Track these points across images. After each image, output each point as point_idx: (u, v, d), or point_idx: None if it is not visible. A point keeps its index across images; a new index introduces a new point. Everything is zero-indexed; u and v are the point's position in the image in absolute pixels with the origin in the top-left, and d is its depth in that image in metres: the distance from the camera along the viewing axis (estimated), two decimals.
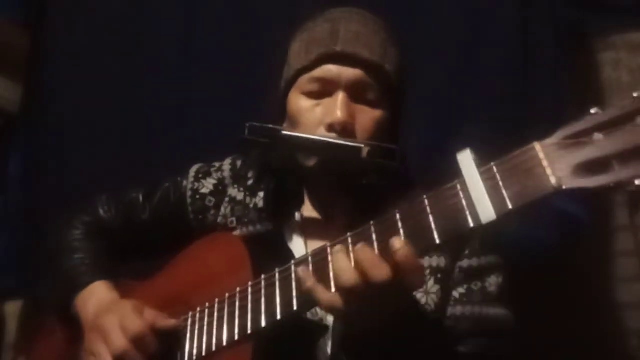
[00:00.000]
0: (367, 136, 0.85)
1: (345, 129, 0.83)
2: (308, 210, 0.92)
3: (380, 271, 0.58)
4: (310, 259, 0.69)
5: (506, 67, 1.36)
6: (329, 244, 0.67)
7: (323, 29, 0.90)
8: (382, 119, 0.87)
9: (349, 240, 0.66)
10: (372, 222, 0.65)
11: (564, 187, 0.52)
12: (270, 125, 0.85)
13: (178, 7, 1.53)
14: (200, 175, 0.98)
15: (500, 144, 1.49)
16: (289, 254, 0.86)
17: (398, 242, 0.59)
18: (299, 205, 0.91)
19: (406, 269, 0.58)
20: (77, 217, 1.02)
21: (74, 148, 1.52)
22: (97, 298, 0.89)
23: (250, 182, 0.96)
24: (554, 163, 0.54)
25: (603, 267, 1.36)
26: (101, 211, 1.02)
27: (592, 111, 0.54)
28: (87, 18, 1.57)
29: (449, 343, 0.79)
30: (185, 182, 0.98)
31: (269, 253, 0.85)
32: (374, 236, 0.64)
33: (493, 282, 0.84)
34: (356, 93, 0.86)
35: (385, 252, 0.60)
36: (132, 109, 1.50)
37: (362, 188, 0.87)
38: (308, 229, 0.90)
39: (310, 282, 0.64)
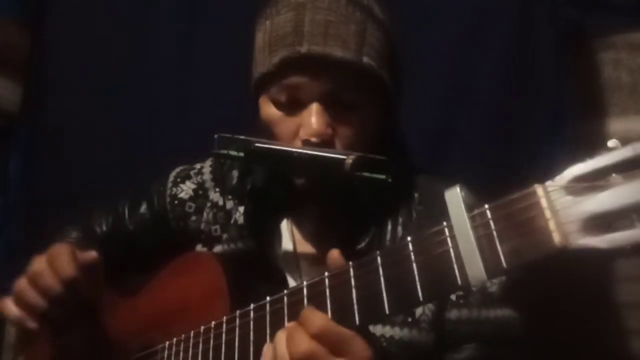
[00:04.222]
0: (351, 146, 0.75)
1: (323, 145, 0.74)
2: (295, 218, 0.86)
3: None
4: (286, 299, 0.63)
5: (505, 67, 1.36)
6: (305, 282, 0.62)
7: (286, 19, 0.75)
8: (367, 119, 0.78)
9: (326, 282, 0.60)
10: (351, 264, 0.59)
11: (570, 247, 0.42)
12: (242, 137, 0.76)
13: (179, 6, 1.53)
14: (179, 180, 0.94)
15: (500, 144, 1.49)
16: (278, 274, 0.83)
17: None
18: (284, 214, 0.85)
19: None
20: (62, 233, 1.00)
21: (74, 148, 1.51)
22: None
23: (234, 182, 0.90)
24: (560, 214, 0.43)
25: (603, 267, 1.36)
26: (95, 226, 1.00)
27: (610, 145, 0.43)
28: (87, 17, 1.56)
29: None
30: (165, 188, 0.95)
31: (254, 274, 0.80)
32: (352, 281, 0.57)
33: (495, 280, 0.76)
34: (332, 98, 0.75)
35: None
36: (133, 109, 1.50)
37: (350, 205, 0.81)
38: (297, 240, 0.85)
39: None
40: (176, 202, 0.93)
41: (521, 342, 0.78)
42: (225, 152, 0.77)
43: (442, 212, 0.76)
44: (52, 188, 1.50)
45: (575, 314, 1.28)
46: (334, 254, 0.61)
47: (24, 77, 1.59)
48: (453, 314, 0.77)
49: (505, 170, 1.32)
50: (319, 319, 0.55)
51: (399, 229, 0.82)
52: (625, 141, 0.44)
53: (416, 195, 0.84)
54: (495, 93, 1.36)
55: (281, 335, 0.57)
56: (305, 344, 0.54)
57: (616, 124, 1.39)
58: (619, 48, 1.42)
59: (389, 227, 0.82)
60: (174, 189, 0.93)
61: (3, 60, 1.55)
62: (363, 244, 0.80)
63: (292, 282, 0.85)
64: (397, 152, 0.86)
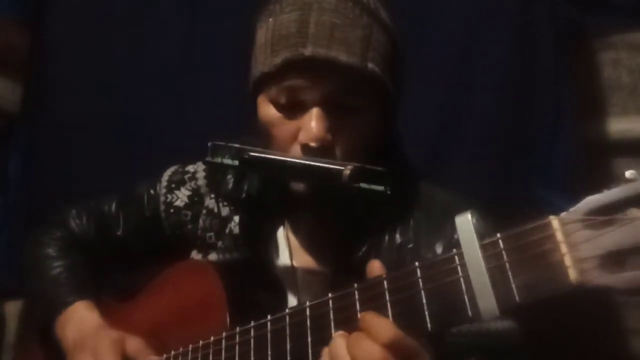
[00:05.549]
0: (351, 151, 0.73)
1: (322, 150, 0.71)
2: (291, 227, 0.84)
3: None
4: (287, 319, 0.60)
5: (506, 67, 1.36)
6: (307, 303, 0.59)
7: (290, 18, 0.72)
8: (368, 124, 0.75)
9: (330, 304, 0.57)
10: (356, 286, 0.56)
11: (587, 285, 0.40)
12: (236, 145, 0.74)
13: (179, 6, 1.53)
14: (173, 185, 0.91)
15: (500, 144, 1.49)
16: (276, 282, 0.82)
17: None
18: (280, 222, 0.84)
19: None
20: (46, 233, 0.96)
21: (74, 148, 1.51)
22: (75, 322, 0.83)
23: (229, 187, 0.88)
24: (576, 249, 0.41)
25: None
26: (72, 224, 0.96)
27: (628, 175, 0.40)
28: (87, 17, 1.56)
29: None
30: (158, 193, 0.91)
31: (252, 283, 0.79)
32: (357, 305, 0.55)
33: None
34: (334, 102, 0.72)
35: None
36: (133, 109, 1.50)
37: (348, 214, 0.78)
38: (294, 248, 0.83)
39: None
40: (172, 210, 0.90)
41: (522, 353, 0.76)
42: (219, 160, 0.75)
43: (441, 218, 0.76)
44: (52, 188, 1.50)
45: (575, 314, 1.28)
46: (375, 265, 0.57)
47: (24, 77, 1.59)
48: None
49: (505, 170, 1.32)
50: (389, 327, 0.51)
51: (397, 236, 0.79)
52: (625, 141, 0.40)
53: (414, 201, 0.82)
54: (495, 93, 1.36)
55: (340, 341, 0.53)
56: (377, 353, 0.50)
57: (616, 124, 1.39)
58: (619, 48, 1.42)
59: (387, 235, 0.79)
60: (169, 196, 0.91)
61: (3, 60, 1.55)
62: (360, 252, 0.78)
63: (289, 291, 0.83)
64: (396, 156, 0.85)
